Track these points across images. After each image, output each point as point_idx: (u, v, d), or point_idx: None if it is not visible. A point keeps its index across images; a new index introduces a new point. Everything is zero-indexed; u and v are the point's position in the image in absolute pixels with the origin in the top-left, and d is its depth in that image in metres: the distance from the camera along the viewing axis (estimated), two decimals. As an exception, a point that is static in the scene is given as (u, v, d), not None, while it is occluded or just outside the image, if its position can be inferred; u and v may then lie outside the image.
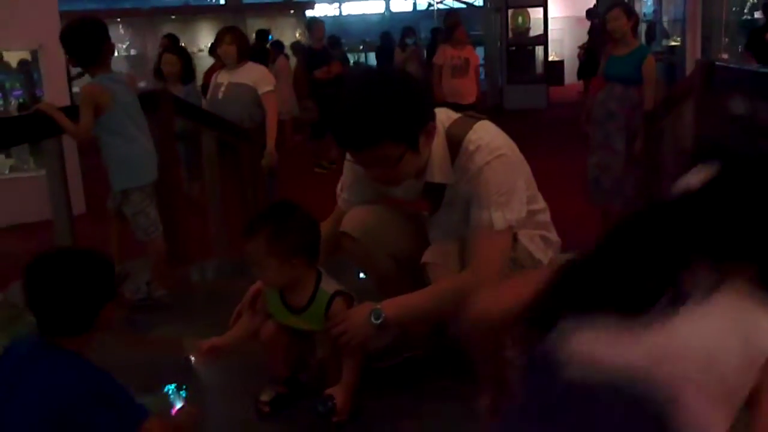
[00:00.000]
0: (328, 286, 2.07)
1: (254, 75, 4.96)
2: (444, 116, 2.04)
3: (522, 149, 2.09)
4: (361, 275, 2.69)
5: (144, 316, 3.25)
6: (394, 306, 2.00)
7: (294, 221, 1.99)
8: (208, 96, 5.14)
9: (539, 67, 14.33)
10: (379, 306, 1.98)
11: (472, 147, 1.97)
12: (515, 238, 2.09)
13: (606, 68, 5.00)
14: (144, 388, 2.40)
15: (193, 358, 2.33)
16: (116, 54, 13.27)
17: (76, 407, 1.48)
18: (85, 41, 3.20)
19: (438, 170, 2.02)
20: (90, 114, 3.13)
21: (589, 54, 13.30)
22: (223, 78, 5.03)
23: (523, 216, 2.01)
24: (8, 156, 7.58)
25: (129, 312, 3.24)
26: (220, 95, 4.96)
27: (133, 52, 12.39)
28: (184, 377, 2.41)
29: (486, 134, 1.99)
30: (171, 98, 3.82)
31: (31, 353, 1.57)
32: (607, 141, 4.90)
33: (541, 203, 2.22)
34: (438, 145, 2.00)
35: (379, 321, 1.96)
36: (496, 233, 1.96)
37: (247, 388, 2.23)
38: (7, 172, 7.40)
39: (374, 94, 1.86)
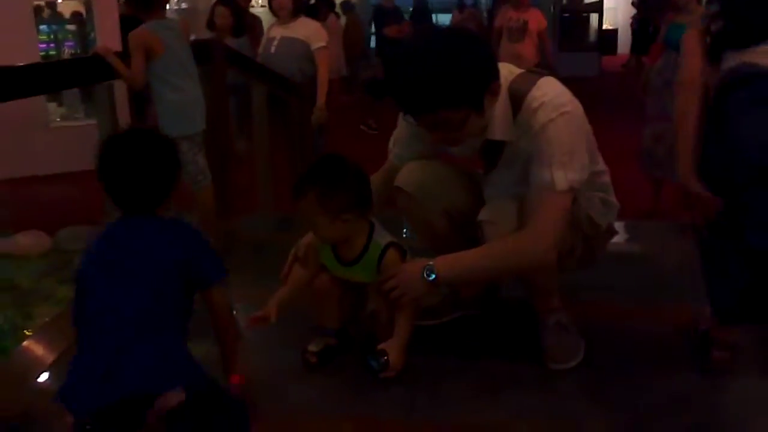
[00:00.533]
0: (381, 237, 2.04)
1: (307, 30, 4.92)
2: (506, 71, 1.97)
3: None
4: (406, 234, 2.67)
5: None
6: (447, 264, 1.96)
7: (342, 177, 1.96)
8: (261, 50, 5.10)
9: (593, 35, 14.04)
10: (432, 262, 1.94)
11: (535, 103, 1.90)
12: (574, 200, 2.03)
13: (667, 35, 4.84)
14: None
15: (235, 312, 2.31)
16: (167, 7, 13.27)
17: (193, 251, 1.65)
18: None
19: (499, 127, 1.96)
20: (140, 58, 3.13)
21: (642, 24, 13.01)
22: (275, 32, 4.99)
23: (584, 177, 1.94)
24: (60, 104, 7.68)
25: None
26: (273, 49, 4.93)
27: (184, 5, 12.38)
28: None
29: (550, 90, 1.92)
30: (224, 49, 3.79)
31: (135, 222, 1.67)
32: (664, 111, 4.76)
33: (601, 165, 2.15)
34: (500, 101, 1.93)
35: (432, 278, 1.93)
36: (556, 194, 1.89)
37: (294, 339, 2.22)
38: (58, 120, 7.50)
39: (435, 56, 1.79)
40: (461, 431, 1.89)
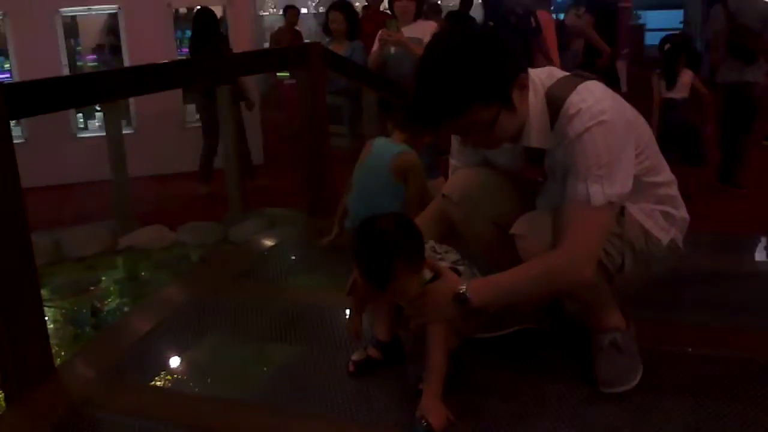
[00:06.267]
0: (427, 273, 1.90)
1: (428, 30, 4.91)
2: (545, 75, 1.87)
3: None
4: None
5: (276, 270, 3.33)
6: (480, 288, 1.83)
7: (402, 233, 1.85)
8: (381, 50, 5.09)
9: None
10: (464, 288, 1.82)
11: (572, 110, 1.77)
12: (622, 213, 1.90)
13: None
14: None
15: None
16: (306, 11, 13.64)
17: None
18: None
19: (536, 134, 1.85)
20: None
21: None
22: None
23: (626, 191, 1.80)
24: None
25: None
26: (393, 50, 4.96)
27: (321, 9, 12.69)
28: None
29: (590, 96, 1.78)
30: (321, 51, 3.83)
31: None
32: None
33: (665, 175, 2.00)
34: (536, 106, 1.83)
35: (463, 304, 1.81)
36: (593, 210, 1.76)
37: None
38: (195, 120, 7.86)
39: (455, 55, 1.72)
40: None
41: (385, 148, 3.05)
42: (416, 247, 1.85)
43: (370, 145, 3.13)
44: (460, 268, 1.96)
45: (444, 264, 1.94)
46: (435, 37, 1.86)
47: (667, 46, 5.92)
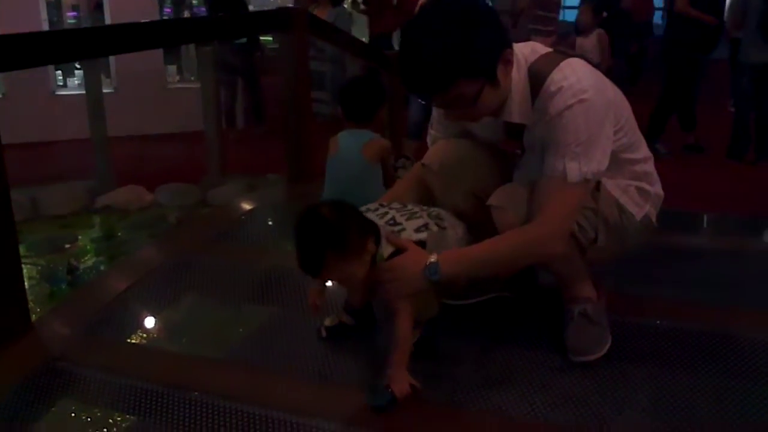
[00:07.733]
0: (385, 249, 1.87)
1: None
2: (528, 50, 1.88)
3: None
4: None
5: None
6: (452, 260, 1.82)
7: (338, 220, 1.76)
8: None
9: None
10: (435, 259, 1.80)
11: (554, 87, 1.79)
12: (597, 188, 1.93)
13: None
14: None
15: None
16: None
17: None
18: None
19: (517, 109, 1.87)
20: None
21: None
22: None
23: (603, 169, 1.82)
24: (179, 67, 8.01)
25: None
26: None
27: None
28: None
29: (572, 74, 1.79)
30: (305, 16, 3.81)
31: None
32: None
33: (642, 152, 2.03)
34: (519, 82, 1.84)
35: (434, 276, 1.80)
36: (568, 185, 1.78)
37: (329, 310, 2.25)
38: (176, 81, 7.82)
39: (443, 28, 1.71)
40: (464, 417, 1.84)
41: (353, 138, 3.10)
42: (349, 234, 1.75)
43: (336, 140, 3.15)
44: (423, 235, 1.92)
45: (405, 237, 1.90)
46: (422, 9, 1.84)
47: None
